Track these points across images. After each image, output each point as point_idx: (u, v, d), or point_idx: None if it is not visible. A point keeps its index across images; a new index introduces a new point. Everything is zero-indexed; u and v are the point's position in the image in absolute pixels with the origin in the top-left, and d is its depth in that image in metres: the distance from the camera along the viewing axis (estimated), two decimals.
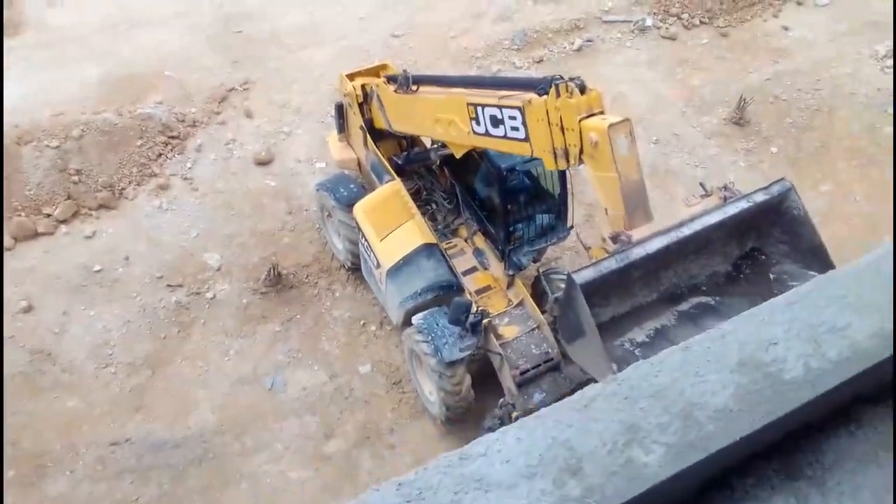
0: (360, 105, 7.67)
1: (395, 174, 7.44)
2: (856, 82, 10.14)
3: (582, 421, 1.18)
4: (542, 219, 6.94)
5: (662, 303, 4.89)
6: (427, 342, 6.38)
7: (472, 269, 7.23)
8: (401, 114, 7.10)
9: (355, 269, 7.95)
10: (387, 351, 7.52)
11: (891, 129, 9.60)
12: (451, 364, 6.28)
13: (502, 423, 6.23)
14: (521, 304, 6.89)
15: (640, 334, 4.72)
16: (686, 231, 4.55)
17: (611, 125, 4.66)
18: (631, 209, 4.66)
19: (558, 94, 5.02)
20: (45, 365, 7.28)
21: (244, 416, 7.05)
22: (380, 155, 7.61)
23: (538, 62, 10.66)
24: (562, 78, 5.11)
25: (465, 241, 7.48)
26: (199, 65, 10.47)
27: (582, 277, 4.28)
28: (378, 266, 7.05)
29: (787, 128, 9.66)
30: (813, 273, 4.72)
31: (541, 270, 7.21)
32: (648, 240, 4.49)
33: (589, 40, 10.91)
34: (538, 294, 7.10)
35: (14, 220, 8.43)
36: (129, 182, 9.08)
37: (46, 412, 6.89)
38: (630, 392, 1.21)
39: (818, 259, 4.79)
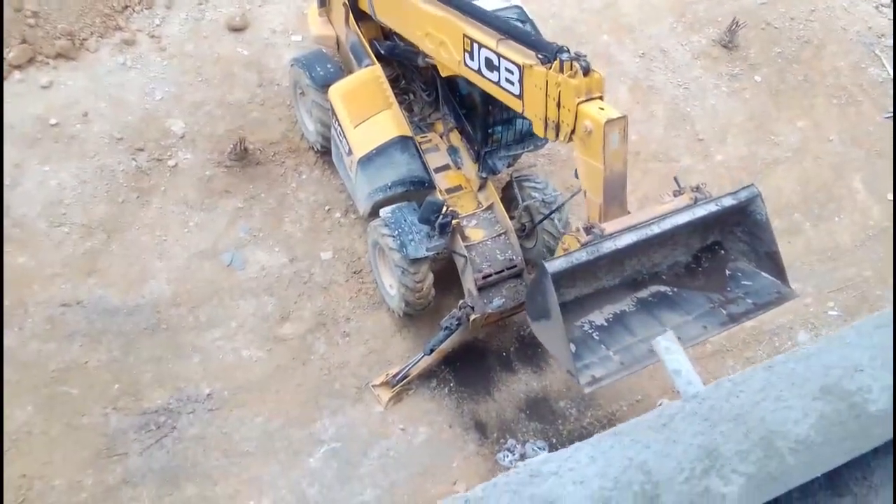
0: None
1: (375, 59, 7.14)
2: (849, 17, 9.98)
3: (660, 442, 1.11)
4: (522, 124, 6.79)
5: (624, 288, 5.11)
6: (393, 237, 6.32)
7: (445, 167, 7.11)
8: (387, 8, 6.75)
9: (325, 151, 7.74)
10: (350, 240, 7.45)
11: (875, 69, 9.57)
12: (416, 261, 6.25)
13: (459, 324, 6.34)
14: (490, 207, 6.84)
15: (599, 317, 4.94)
16: (656, 229, 4.78)
17: (608, 121, 4.70)
18: (609, 200, 4.85)
19: (561, 70, 4.92)
20: None
21: (200, 291, 6.97)
22: (361, 36, 7.27)
23: None
24: (568, 51, 4.96)
25: (441, 137, 7.31)
26: None
27: (553, 267, 4.47)
28: (349, 153, 6.87)
29: (774, 57, 9.52)
30: (766, 275, 5.08)
31: (514, 176, 7.13)
32: (619, 235, 4.70)
33: None
34: (508, 199, 7.06)
35: None
36: (91, 33, 8.54)
37: None
38: (710, 413, 1.14)
39: (772, 264, 5.07)
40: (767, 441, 1.11)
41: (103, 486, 5.76)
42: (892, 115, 9.19)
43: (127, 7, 8.82)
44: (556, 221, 6.79)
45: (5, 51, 8.10)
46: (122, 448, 5.98)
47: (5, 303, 6.54)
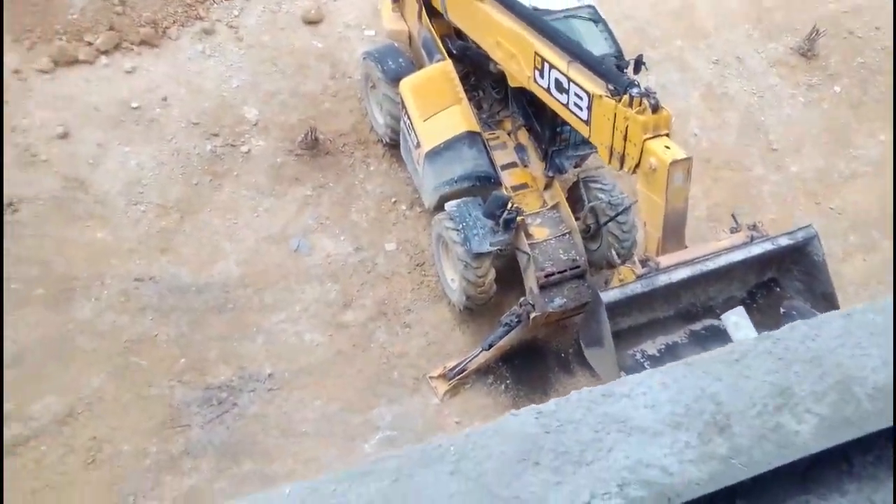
0: None
1: (446, 54, 7.22)
2: None
3: (732, 376, 1.13)
4: None
5: (678, 319, 5.21)
6: (457, 230, 6.37)
7: (512, 165, 7.13)
8: (459, 10, 6.85)
9: (393, 144, 7.85)
10: (415, 232, 7.54)
11: None
12: (479, 256, 6.29)
13: (519, 321, 6.34)
14: (555, 207, 6.83)
15: (651, 348, 5.08)
16: (710, 265, 4.89)
17: (673, 162, 4.78)
18: (668, 235, 4.96)
19: (630, 105, 4.99)
20: (77, 193, 7.34)
21: (267, 274, 7.15)
22: (433, 32, 7.36)
23: None
24: (638, 86, 5.01)
25: (508, 134, 7.34)
26: None
27: (608, 297, 4.67)
28: (418, 146, 6.95)
29: (856, 67, 9.25)
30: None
31: (580, 176, 7.11)
32: (674, 269, 4.82)
33: None
34: (574, 200, 7.03)
35: (55, 43, 8.27)
36: (174, 21, 8.84)
37: (77, 239, 7.00)
38: (785, 353, 1.15)
39: (828, 305, 5.07)
40: (844, 385, 1.11)
41: (167, 454, 5.97)
42: None
43: None
44: (621, 224, 6.75)
45: (93, 37, 8.46)
46: (186, 420, 6.18)
47: (84, 274, 6.82)
